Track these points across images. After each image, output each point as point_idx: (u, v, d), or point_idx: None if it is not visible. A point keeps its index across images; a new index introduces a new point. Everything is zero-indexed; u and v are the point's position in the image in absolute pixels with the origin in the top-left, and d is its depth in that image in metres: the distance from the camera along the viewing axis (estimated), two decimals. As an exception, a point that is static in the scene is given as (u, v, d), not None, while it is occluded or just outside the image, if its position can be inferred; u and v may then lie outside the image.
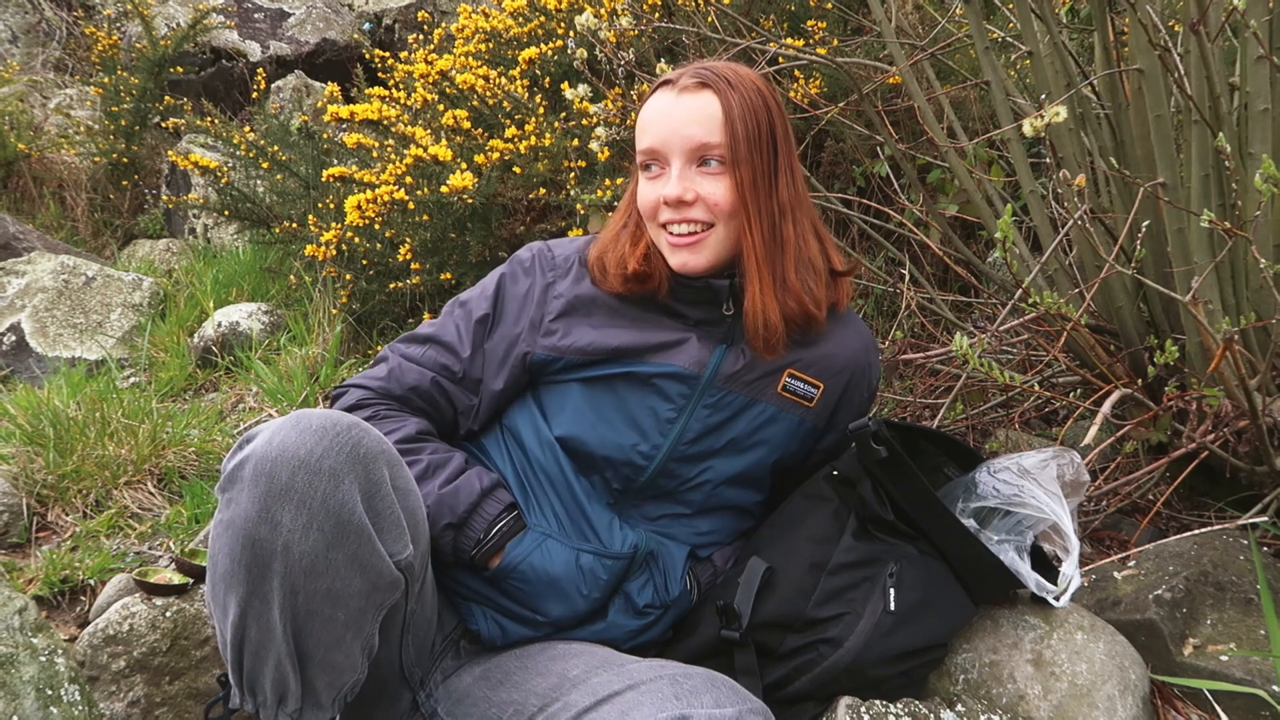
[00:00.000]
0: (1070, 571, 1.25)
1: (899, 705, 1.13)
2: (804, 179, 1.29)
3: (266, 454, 0.90)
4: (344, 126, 3.00)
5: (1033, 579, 1.23)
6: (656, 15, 2.78)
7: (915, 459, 1.22)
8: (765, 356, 1.24)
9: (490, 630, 1.20)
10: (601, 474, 1.24)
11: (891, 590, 1.17)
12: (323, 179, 2.92)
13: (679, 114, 1.18)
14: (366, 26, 5.78)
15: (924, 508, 1.21)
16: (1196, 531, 1.48)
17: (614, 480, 1.24)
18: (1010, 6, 2.11)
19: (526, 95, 2.86)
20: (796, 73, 2.81)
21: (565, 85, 2.17)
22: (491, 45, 3.26)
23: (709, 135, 1.16)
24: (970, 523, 1.26)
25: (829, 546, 1.22)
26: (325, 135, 3.59)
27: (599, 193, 2.45)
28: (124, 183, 4.91)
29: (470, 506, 1.16)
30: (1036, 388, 1.76)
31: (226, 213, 3.61)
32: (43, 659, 1.23)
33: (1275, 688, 1.17)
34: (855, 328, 1.32)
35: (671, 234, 1.19)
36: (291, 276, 3.47)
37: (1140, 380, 1.58)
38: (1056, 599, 1.25)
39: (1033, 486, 1.25)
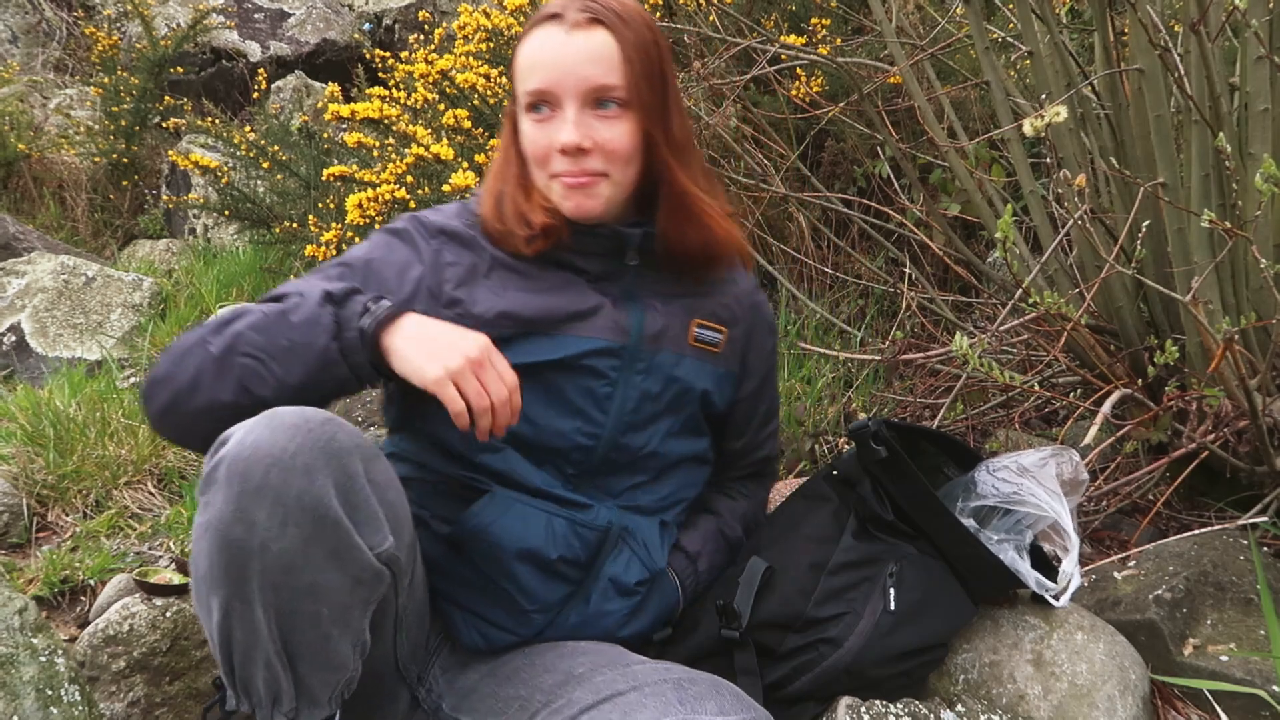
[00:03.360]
0: (1070, 570, 1.25)
1: (899, 705, 1.13)
2: (687, 112, 1.25)
3: (239, 454, 0.90)
4: (344, 126, 3.01)
5: (1032, 577, 1.23)
6: (658, 15, 2.78)
7: (915, 459, 1.22)
8: (675, 288, 1.22)
9: (471, 638, 1.17)
10: (553, 463, 1.19)
11: (891, 590, 1.17)
12: (323, 178, 2.92)
13: (572, 53, 1.09)
14: (366, 26, 5.78)
15: (924, 508, 1.21)
16: (1196, 531, 1.48)
17: (566, 466, 1.19)
18: (1010, 6, 2.11)
19: (527, 95, 2.85)
20: (798, 71, 2.81)
21: (565, 85, 2.16)
22: (492, 44, 3.26)
23: (606, 76, 1.09)
24: (970, 522, 1.26)
25: (829, 546, 1.22)
26: (325, 135, 3.59)
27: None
28: (124, 183, 4.91)
29: (349, 286, 1.07)
30: (1036, 388, 1.76)
31: (227, 213, 3.61)
32: (43, 659, 1.23)
33: (1275, 688, 1.17)
34: (739, 273, 1.31)
35: (565, 180, 1.13)
36: (292, 276, 3.47)
37: (1140, 380, 1.58)
38: (1056, 598, 1.25)
39: (1032, 484, 1.25)
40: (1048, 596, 1.24)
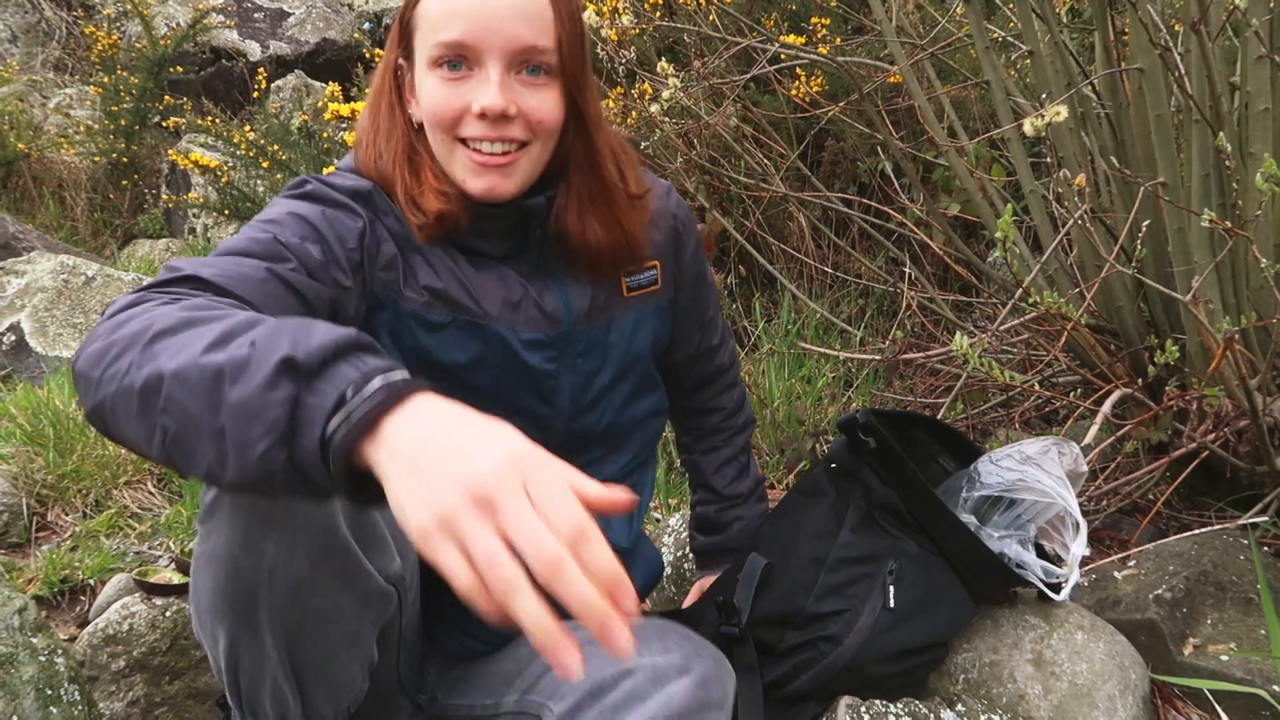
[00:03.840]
0: (1079, 552, 1.24)
1: (899, 705, 1.13)
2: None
3: None
4: (344, 125, 3.00)
5: (1038, 565, 1.22)
6: (658, 14, 2.78)
7: (908, 449, 1.22)
8: (609, 278, 1.11)
9: (453, 646, 1.17)
10: None
11: (891, 588, 1.17)
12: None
13: (503, 5, 0.95)
14: (366, 26, 5.78)
15: (917, 499, 1.21)
16: (1196, 531, 1.49)
17: None
18: (1010, 6, 2.11)
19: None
20: (798, 70, 2.81)
21: (565, 85, 2.16)
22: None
23: (539, 37, 0.95)
24: (970, 518, 1.26)
25: (828, 542, 1.22)
26: (325, 134, 3.59)
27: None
28: (124, 182, 4.90)
29: (333, 344, 0.64)
30: (1037, 387, 1.76)
31: (226, 212, 3.62)
32: (43, 659, 1.23)
33: (1275, 688, 1.17)
34: (652, 191, 1.17)
35: (479, 152, 0.97)
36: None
37: (1140, 380, 1.58)
38: (1058, 589, 1.25)
39: (1036, 471, 1.25)
40: (1047, 589, 1.24)
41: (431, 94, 0.97)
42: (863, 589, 1.18)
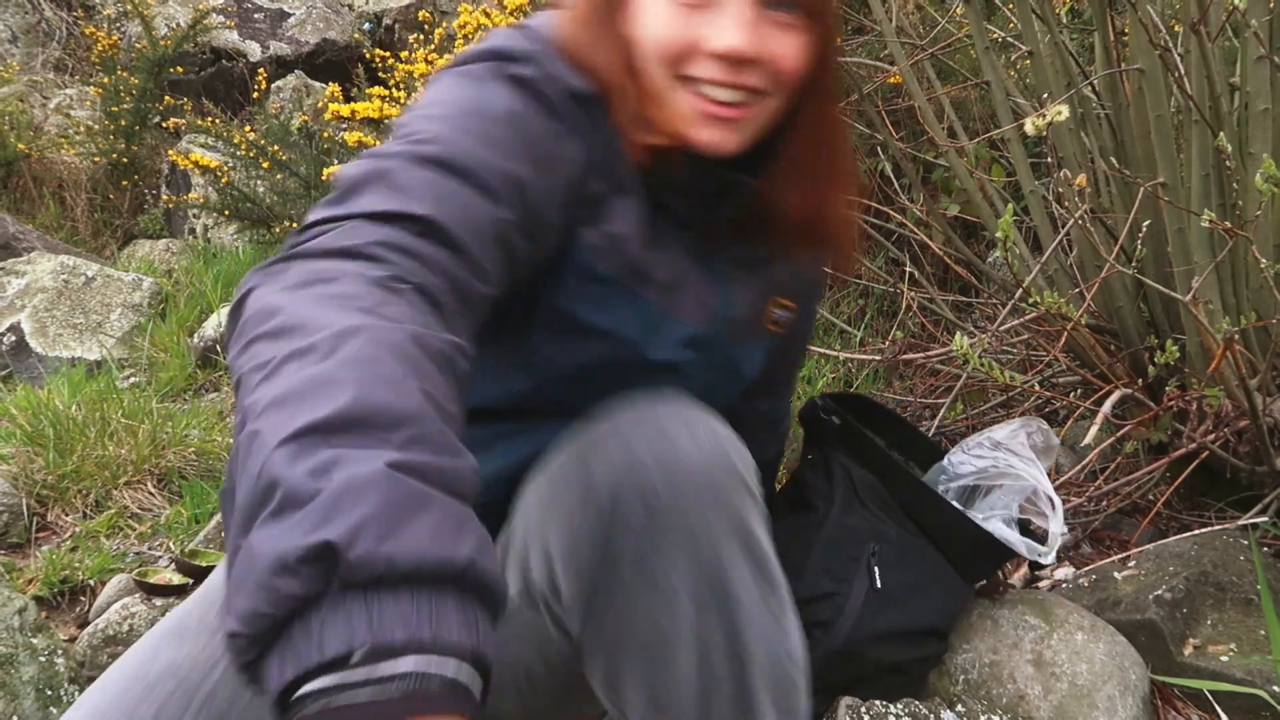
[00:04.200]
0: (1058, 531, 1.25)
1: (899, 705, 1.14)
2: None
3: None
4: (344, 125, 3.01)
5: (1023, 544, 1.23)
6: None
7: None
8: (759, 251, 0.93)
9: None
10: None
11: (876, 569, 1.18)
12: (323, 178, 2.93)
13: None
14: (366, 26, 5.78)
15: (898, 481, 1.23)
16: (1196, 531, 1.49)
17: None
18: (1010, 6, 2.11)
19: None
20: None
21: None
22: (492, 45, 3.26)
23: None
24: (955, 504, 1.28)
25: (813, 531, 1.23)
26: (326, 135, 3.59)
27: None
28: (124, 183, 4.90)
29: (412, 564, 0.46)
30: (1037, 388, 1.76)
31: (227, 212, 3.62)
32: (42, 659, 1.23)
33: (1275, 688, 1.17)
34: None
35: (711, 100, 0.80)
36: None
37: (1140, 380, 1.58)
38: (1043, 559, 1.25)
39: (1006, 455, 1.27)
40: (1039, 558, 1.25)
41: (657, 20, 0.80)
42: (848, 572, 1.19)
